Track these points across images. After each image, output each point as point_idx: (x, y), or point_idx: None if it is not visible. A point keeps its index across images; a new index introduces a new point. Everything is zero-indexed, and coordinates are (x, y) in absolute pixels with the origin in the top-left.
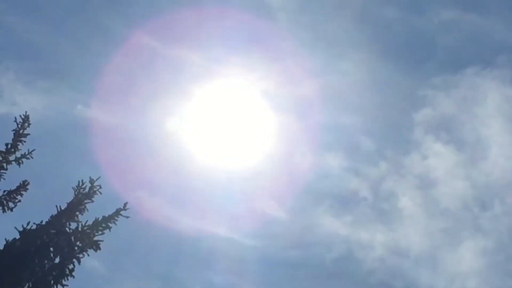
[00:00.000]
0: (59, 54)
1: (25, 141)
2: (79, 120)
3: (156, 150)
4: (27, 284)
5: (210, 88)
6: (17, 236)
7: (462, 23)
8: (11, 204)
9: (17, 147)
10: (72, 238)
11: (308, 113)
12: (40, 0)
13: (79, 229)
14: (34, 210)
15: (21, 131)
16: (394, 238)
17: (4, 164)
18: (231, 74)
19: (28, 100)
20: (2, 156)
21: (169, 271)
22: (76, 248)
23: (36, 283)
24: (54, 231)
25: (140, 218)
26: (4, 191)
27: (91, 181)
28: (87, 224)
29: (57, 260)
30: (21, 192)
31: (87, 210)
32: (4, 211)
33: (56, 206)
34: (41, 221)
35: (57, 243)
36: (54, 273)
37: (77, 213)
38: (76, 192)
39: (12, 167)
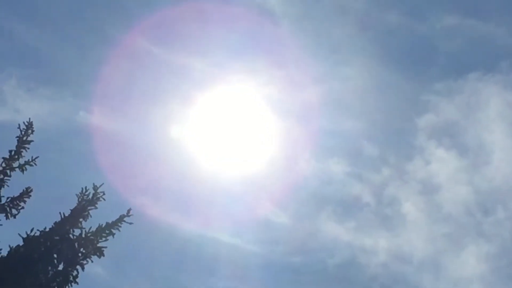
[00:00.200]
0: (62, 60)
1: (28, 148)
2: (82, 127)
3: (159, 156)
4: None
5: (213, 94)
6: (21, 243)
7: (464, 29)
8: (14, 211)
9: (21, 154)
10: (76, 244)
11: (311, 118)
12: (43, 7)
13: (83, 235)
14: (37, 217)
15: (24, 138)
16: (397, 243)
17: (8, 171)
18: (234, 80)
19: (30, 107)
20: (5, 163)
21: (173, 277)
22: (79, 254)
23: None
24: (57, 237)
25: (143, 224)
26: (8, 198)
27: (95, 188)
28: (90, 231)
29: (61, 266)
30: (25, 199)
31: (91, 217)
32: (7, 218)
33: (60, 212)
34: (45, 228)
35: (61, 249)
36: (58, 280)
37: (81, 219)
38: (79, 199)
39: (16, 174)
